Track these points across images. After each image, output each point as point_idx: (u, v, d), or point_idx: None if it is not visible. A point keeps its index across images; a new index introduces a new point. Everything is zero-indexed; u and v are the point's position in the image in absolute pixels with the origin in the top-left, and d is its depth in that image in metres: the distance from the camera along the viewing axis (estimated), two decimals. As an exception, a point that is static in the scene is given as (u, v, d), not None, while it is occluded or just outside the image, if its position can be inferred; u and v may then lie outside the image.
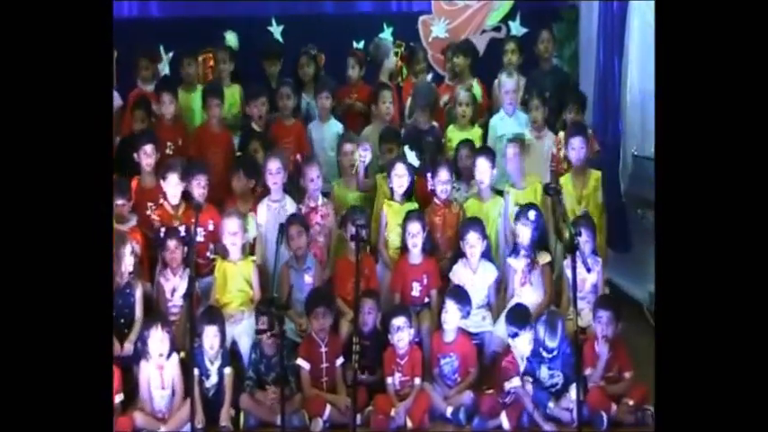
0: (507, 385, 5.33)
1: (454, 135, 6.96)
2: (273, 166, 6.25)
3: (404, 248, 6.09)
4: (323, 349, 5.51)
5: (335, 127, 7.14)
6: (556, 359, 5.36)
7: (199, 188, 6.15)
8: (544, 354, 5.31)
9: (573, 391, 5.01)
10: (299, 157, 6.78)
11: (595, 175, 6.41)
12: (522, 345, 5.37)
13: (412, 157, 6.51)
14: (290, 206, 6.29)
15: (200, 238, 6.12)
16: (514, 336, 5.39)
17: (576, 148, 6.29)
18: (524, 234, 5.86)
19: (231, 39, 8.10)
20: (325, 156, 6.99)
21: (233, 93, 7.42)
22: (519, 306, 5.65)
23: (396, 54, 8.14)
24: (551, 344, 5.28)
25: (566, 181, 6.36)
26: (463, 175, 6.57)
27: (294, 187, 6.53)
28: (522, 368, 5.37)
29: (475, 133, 6.96)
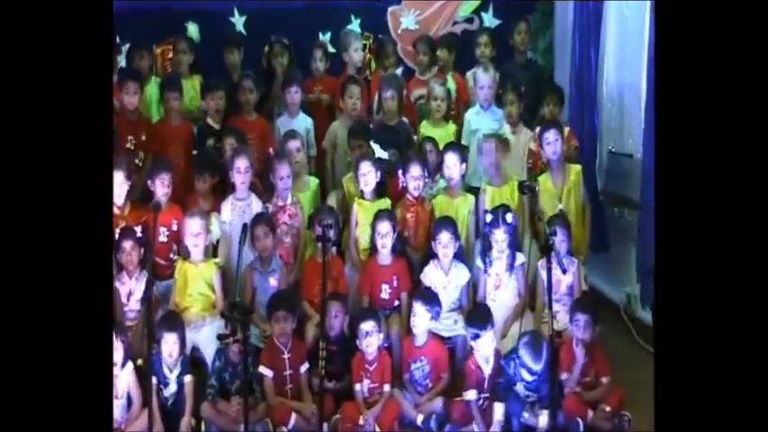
0: (465, 395, 5.32)
1: (427, 131, 6.94)
2: (242, 164, 6.17)
3: (373, 249, 6.05)
4: (286, 355, 5.45)
5: (305, 122, 7.08)
6: (535, 382, 5.26)
7: (163, 187, 6.08)
8: (526, 375, 5.19)
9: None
10: (271, 150, 6.71)
11: (575, 168, 6.41)
12: (485, 346, 5.34)
13: (380, 152, 6.47)
14: (256, 205, 6.23)
15: (162, 239, 6.08)
16: (476, 337, 5.34)
17: (552, 142, 6.27)
18: (500, 236, 5.84)
19: (192, 30, 8.03)
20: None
21: (193, 85, 7.33)
22: (479, 306, 5.66)
23: (364, 47, 8.09)
24: (536, 367, 5.12)
25: (544, 179, 6.34)
26: (431, 171, 6.52)
27: (263, 185, 6.48)
28: (485, 373, 5.34)
29: (449, 129, 6.95)
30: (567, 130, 6.68)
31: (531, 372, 5.14)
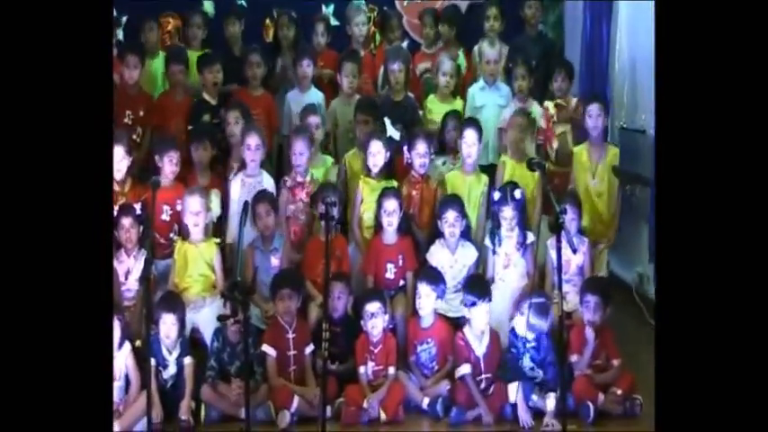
0: (458, 372, 5.35)
1: (435, 106, 6.90)
2: (253, 141, 6.15)
3: (378, 227, 6.03)
4: (290, 335, 5.45)
5: (316, 97, 7.01)
6: (539, 349, 5.33)
7: (171, 165, 6.08)
8: (529, 337, 5.27)
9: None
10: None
11: (614, 150, 6.49)
12: (479, 316, 5.36)
13: (392, 131, 6.45)
14: (267, 183, 6.22)
15: (165, 217, 6.07)
16: (472, 305, 5.38)
17: (593, 116, 6.31)
18: (508, 213, 5.82)
19: (208, 6, 7.96)
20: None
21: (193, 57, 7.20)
22: (479, 276, 5.75)
23: (368, 20, 8.02)
24: (542, 325, 5.26)
25: (580, 151, 6.38)
26: (448, 147, 6.51)
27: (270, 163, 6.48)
28: (476, 351, 5.36)
29: (456, 105, 6.90)
30: (574, 101, 6.67)
31: (534, 328, 5.23)
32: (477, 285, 5.53)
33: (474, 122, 6.41)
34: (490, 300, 5.44)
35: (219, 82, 6.86)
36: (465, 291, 5.53)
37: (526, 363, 5.37)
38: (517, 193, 5.78)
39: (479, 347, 5.40)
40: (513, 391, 5.25)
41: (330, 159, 6.67)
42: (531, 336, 5.32)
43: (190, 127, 6.70)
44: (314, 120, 6.52)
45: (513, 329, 5.45)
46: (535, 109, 6.74)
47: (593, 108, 6.32)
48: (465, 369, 5.35)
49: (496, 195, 5.89)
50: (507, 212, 5.82)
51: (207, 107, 6.80)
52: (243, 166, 6.27)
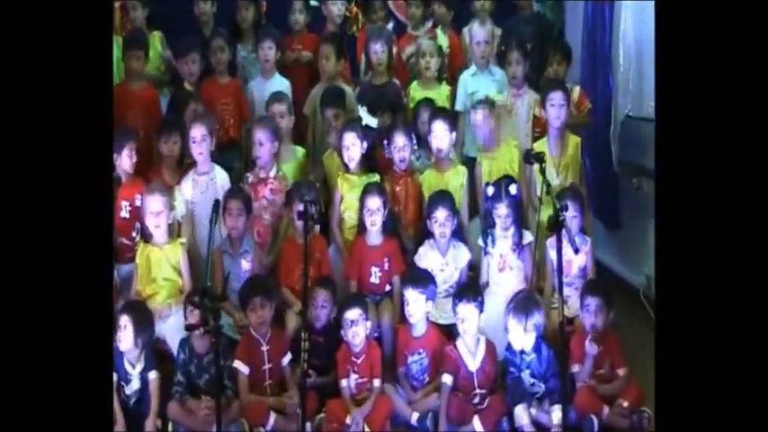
0: (444, 378, 5.32)
1: (417, 93, 6.85)
2: (197, 132, 6.07)
3: (361, 227, 5.98)
4: (264, 348, 5.39)
5: (281, 84, 6.95)
6: (540, 361, 5.31)
7: (129, 158, 6.02)
8: (527, 347, 5.27)
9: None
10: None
11: (574, 140, 6.37)
12: (470, 324, 5.34)
13: (368, 119, 6.39)
14: (221, 179, 6.16)
15: (124, 214, 6.01)
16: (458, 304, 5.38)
17: (556, 105, 6.20)
18: (503, 211, 5.78)
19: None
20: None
21: (154, 43, 7.18)
22: (471, 280, 5.80)
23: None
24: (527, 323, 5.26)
25: (540, 145, 6.24)
26: (422, 141, 6.43)
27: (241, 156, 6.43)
28: (468, 365, 5.34)
29: (442, 92, 6.86)
30: (577, 89, 6.63)
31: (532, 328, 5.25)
32: (468, 289, 5.53)
33: (442, 113, 6.34)
34: (482, 303, 5.40)
35: (197, 71, 6.80)
36: (455, 298, 5.49)
37: (526, 378, 5.32)
38: (512, 189, 5.72)
39: (473, 362, 5.35)
40: (522, 414, 5.21)
41: (301, 150, 6.63)
42: (528, 345, 5.28)
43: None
44: (280, 108, 6.46)
45: (508, 345, 5.40)
46: (529, 97, 6.68)
47: (556, 96, 6.20)
48: (446, 379, 5.31)
49: (490, 191, 5.82)
50: (502, 210, 5.77)
51: (188, 98, 6.69)
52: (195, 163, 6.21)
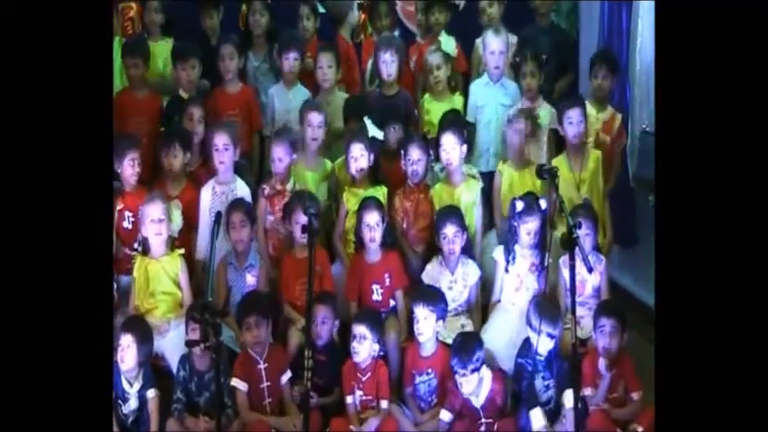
0: (442, 415, 5.33)
1: (432, 106, 6.87)
2: (220, 141, 6.10)
3: (359, 244, 5.97)
4: (261, 366, 5.42)
5: (302, 94, 6.92)
6: (549, 367, 5.34)
7: (131, 168, 6.05)
8: (541, 350, 5.29)
9: (570, 414, 4.97)
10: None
11: (594, 154, 6.39)
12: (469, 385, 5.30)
13: (374, 131, 6.41)
14: (242, 190, 6.17)
15: (127, 225, 6.06)
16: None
17: (575, 124, 6.24)
18: (532, 227, 5.75)
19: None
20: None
21: (165, 48, 7.17)
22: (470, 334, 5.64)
23: (359, 6, 8.02)
24: (552, 330, 5.28)
25: (560, 162, 6.29)
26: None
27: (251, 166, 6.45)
28: (472, 402, 5.33)
29: (455, 103, 6.87)
30: (619, 117, 6.68)
31: (549, 336, 5.25)
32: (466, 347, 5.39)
33: (451, 125, 6.30)
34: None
35: (195, 79, 6.82)
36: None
37: (539, 384, 5.35)
38: (542, 204, 5.71)
39: (477, 399, 5.33)
40: (538, 418, 5.24)
41: (329, 164, 6.56)
42: (545, 350, 5.31)
43: (162, 129, 6.67)
44: (317, 118, 6.38)
45: (520, 351, 5.43)
46: (544, 111, 6.68)
47: (574, 114, 6.24)
48: (444, 416, 5.33)
49: (519, 205, 5.75)
50: (531, 224, 5.74)
51: (184, 106, 6.67)
52: (213, 172, 6.21)
